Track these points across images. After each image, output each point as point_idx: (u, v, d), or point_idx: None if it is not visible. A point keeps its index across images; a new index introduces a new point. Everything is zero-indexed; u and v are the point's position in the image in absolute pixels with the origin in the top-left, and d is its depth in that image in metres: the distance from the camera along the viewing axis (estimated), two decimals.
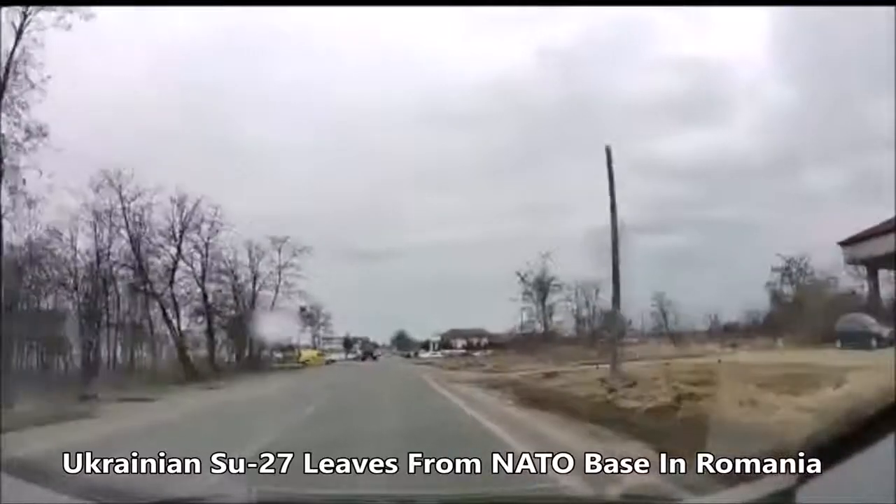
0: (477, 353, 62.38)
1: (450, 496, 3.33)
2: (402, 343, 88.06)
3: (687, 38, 69.94)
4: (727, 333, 46.25)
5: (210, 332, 44.25)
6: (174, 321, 40.43)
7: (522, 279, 55.99)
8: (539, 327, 57.41)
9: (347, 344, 76.74)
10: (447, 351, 69.49)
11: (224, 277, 45.73)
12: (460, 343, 72.75)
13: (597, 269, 27.96)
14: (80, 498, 2.50)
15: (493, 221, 70.20)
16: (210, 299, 44.08)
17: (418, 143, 66.79)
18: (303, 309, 59.44)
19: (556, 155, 62.64)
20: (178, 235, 40.38)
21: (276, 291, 48.30)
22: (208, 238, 42.21)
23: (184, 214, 40.40)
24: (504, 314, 60.34)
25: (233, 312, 46.57)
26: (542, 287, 56.66)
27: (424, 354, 71.92)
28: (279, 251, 48.48)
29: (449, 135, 68.61)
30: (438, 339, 76.34)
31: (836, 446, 1.74)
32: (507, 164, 67.52)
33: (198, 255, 42.37)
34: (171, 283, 40.44)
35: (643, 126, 58.33)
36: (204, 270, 42.93)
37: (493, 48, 74.99)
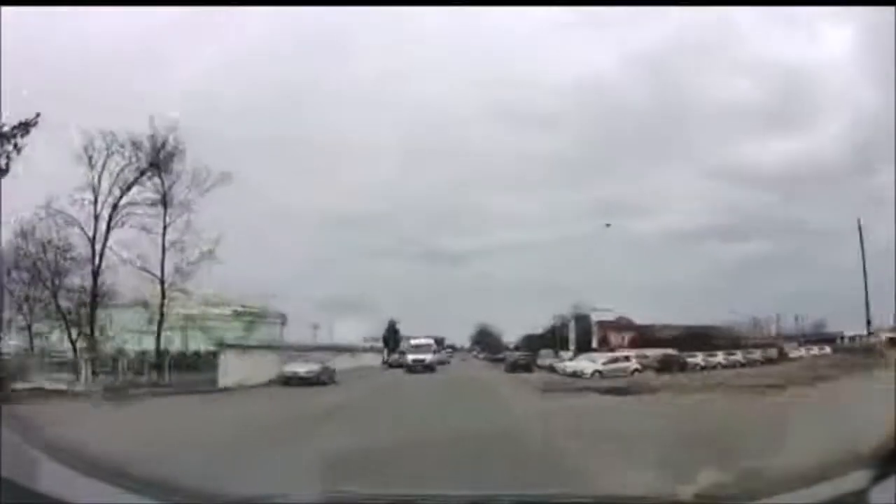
0: (726, 358, 35.62)
1: (522, 496, 3.28)
2: (486, 342, 59.85)
3: (772, 40, 67.69)
4: None
5: None
6: None
7: None
8: None
9: (389, 341, 49.90)
10: (643, 352, 35.40)
11: None
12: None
13: None
14: (151, 497, 2.47)
15: (570, 223, 67.44)
16: None
17: (496, 143, 65.79)
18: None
19: (635, 158, 61.44)
20: None
21: None
22: None
23: None
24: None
25: None
26: None
27: (583, 364, 32.93)
28: None
29: (528, 135, 67.38)
30: (609, 313, 40.07)
31: None
32: (586, 165, 65.48)
33: None
34: None
35: (725, 130, 57.64)
36: None
37: (573, 49, 73.89)
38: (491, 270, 65.59)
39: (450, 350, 58.92)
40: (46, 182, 26.72)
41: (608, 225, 39.70)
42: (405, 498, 3.44)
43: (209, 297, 34.37)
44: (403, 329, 53.07)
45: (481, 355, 57.55)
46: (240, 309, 36.33)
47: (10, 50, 21.27)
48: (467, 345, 64.42)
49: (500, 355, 47.50)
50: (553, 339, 43.56)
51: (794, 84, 58.99)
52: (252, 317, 36.27)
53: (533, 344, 44.50)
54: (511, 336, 55.24)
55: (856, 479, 1.88)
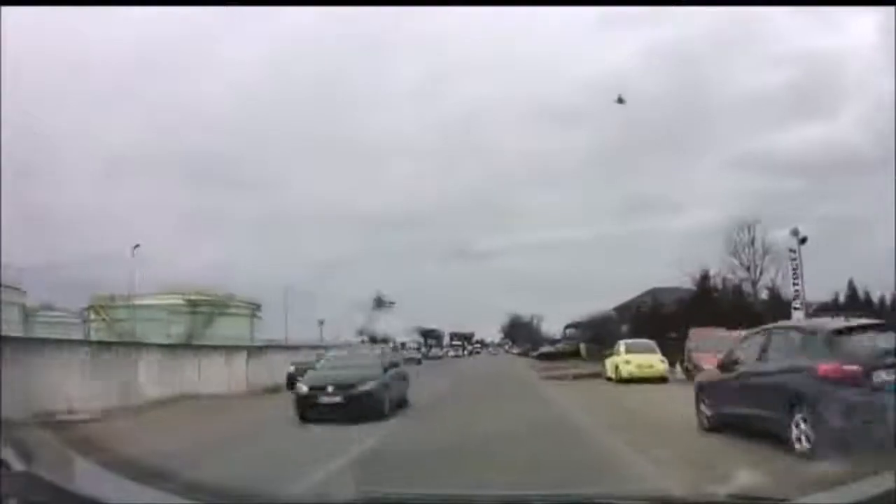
0: None
1: (557, 496, 3.22)
2: (520, 334, 49.79)
3: (795, 34, 68.05)
4: None
5: None
6: None
7: None
8: None
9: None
10: None
11: None
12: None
13: None
14: (186, 498, 2.43)
15: (601, 219, 66.22)
16: None
17: (528, 141, 65.19)
18: None
19: (664, 152, 61.56)
20: None
21: None
22: None
23: None
24: None
25: None
26: None
27: None
28: None
29: (558, 132, 66.88)
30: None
31: None
32: (616, 160, 64.74)
33: None
34: None
35: (750, 122, 57.72)
36: None
37: (602, 46, 73.68)
38: (520, 265, 63.66)
39: (478, 345, 52.96)
40: None
41: (621, 101, 34.81)
42: (433, 498, 3.38)
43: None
44: (426, 324, 48.62)
45: (515, 350, 48.69)
46: (194, 297, 30.88)
47: None
48: (497, 340, 58.12)
49: (545, 349, 36.48)
50: (637, 321, 28.35)
51: (821, 76, 58.73)
52: (209, 307, 30.64)
53: (598, 334, 32.02)
54: (553, 325, 45.30)
55: (887, 480, 1.87)
